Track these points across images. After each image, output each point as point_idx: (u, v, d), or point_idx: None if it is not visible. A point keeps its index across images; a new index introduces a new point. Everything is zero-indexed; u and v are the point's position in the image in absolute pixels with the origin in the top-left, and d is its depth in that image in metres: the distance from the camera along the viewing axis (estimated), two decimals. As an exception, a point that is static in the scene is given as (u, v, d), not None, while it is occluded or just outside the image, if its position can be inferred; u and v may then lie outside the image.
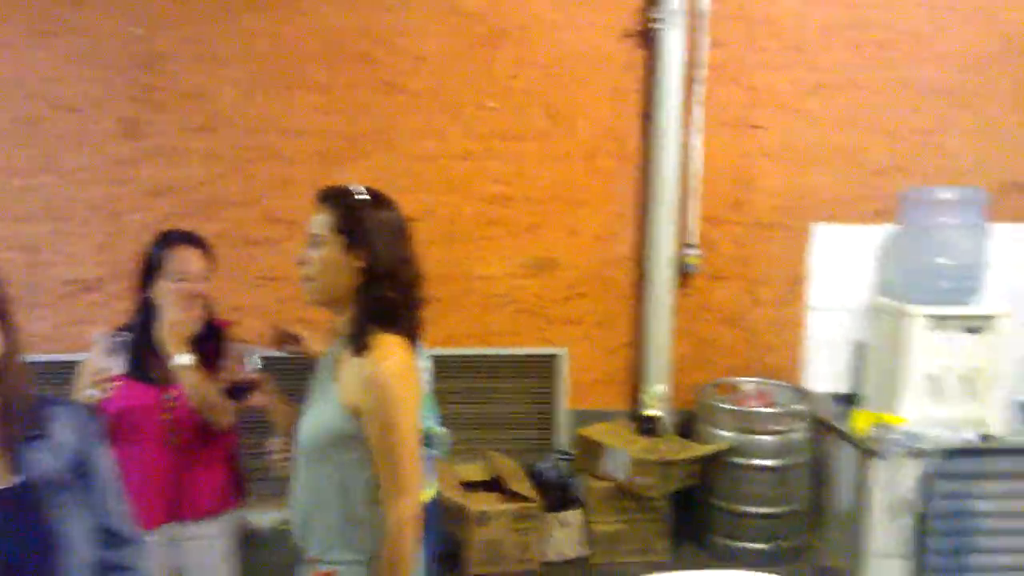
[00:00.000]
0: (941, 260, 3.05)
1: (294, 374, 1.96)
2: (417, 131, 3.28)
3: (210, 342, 2.10)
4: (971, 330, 2.98)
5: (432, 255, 3.23)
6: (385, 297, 1.64)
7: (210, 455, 2.13)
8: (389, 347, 1.61)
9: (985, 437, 2.93)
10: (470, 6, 3.25)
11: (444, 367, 3.29)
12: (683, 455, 3.06)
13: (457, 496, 2.98)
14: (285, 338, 2.10)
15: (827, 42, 3.35)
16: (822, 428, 3.17)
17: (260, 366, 2.15)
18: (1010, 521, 2.87)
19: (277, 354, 2.10)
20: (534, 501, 2.98)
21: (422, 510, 1.61)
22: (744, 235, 3.43)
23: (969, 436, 2.90)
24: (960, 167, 3.39)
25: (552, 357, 3.40)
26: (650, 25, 3.23)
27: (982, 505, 2.87)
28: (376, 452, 1.60)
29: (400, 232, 1.70)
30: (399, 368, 1.60)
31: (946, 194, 3.11)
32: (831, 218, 3.41)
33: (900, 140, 3.40)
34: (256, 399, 2.11)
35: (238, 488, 2.20)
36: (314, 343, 2.06)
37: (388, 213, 1.70)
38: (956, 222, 3.07)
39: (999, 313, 2.99)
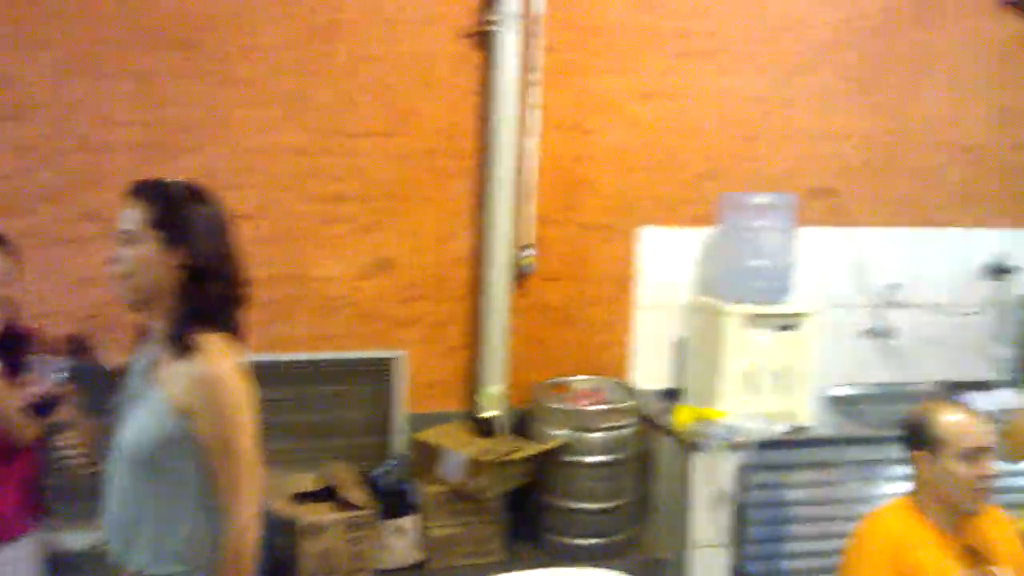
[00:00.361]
0: (755, 261, 3.25)
1: (98, 385, 1.84)
2: (248, 124, 3.15)
3: (12, 350, 1.95)
4: (782, 327, 3.19)
5: (264, 255, 3.17)
6: (207, 296, 1.58)
7: (9, 473, 1.97)
8: (217, 347, 1.56)
9: (796, 429, 3.14)
10: (309, -6, 3.16)
11: (276, 373, 3.21)
12: (518, 455, 3.11)
13: (288, 508, 2.89)
14: (77, 346, 1.97)
15: (653, 51, 3.49)
16: (648, 424, 3.30)
17: (65, 377, 2.01)
18: (819, 508, 3.07)
19: (84, 364, 1.97)
20: (368, 509, 2.94)
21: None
22: (576, 237, 3.52)
23: (781, 428, 3.10)
24: (773, 173, 3.62)
25: (389, 360, 3.36)
26: (487, 27, 3.25)
27: (794, 493, 3.07)
28: (212, 456, 1.54)
29: (221, 227, 1.65)
30: (231, 367, 1.55)
31: (759, 199, 3.31)
32: (656, 221, 3.55)
33: (720, 146, 3.59)
34: (60, 413, 1.97)
35: (41, 508, 2.05)
36: (112, 352, 1.95)
37: (208, 208, 1.64)
38: (767, 225, 3.27)
39: (807, 311, 3.21)
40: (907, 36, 3.67)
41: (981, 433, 2.16)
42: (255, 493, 1.54)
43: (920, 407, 2.26)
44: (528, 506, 3.24)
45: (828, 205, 3.67)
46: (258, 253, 3.26)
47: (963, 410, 2.24)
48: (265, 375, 3.16)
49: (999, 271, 3.79)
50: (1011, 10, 3.73)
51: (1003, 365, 3.80)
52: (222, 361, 1.51)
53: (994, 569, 2.17)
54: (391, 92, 3.27)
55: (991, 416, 3.35)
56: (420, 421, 3.35)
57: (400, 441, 3.35)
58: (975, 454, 2.13)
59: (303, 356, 3.27)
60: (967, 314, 3.78)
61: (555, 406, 3.23)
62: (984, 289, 3.81)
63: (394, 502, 3.03)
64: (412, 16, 3.25)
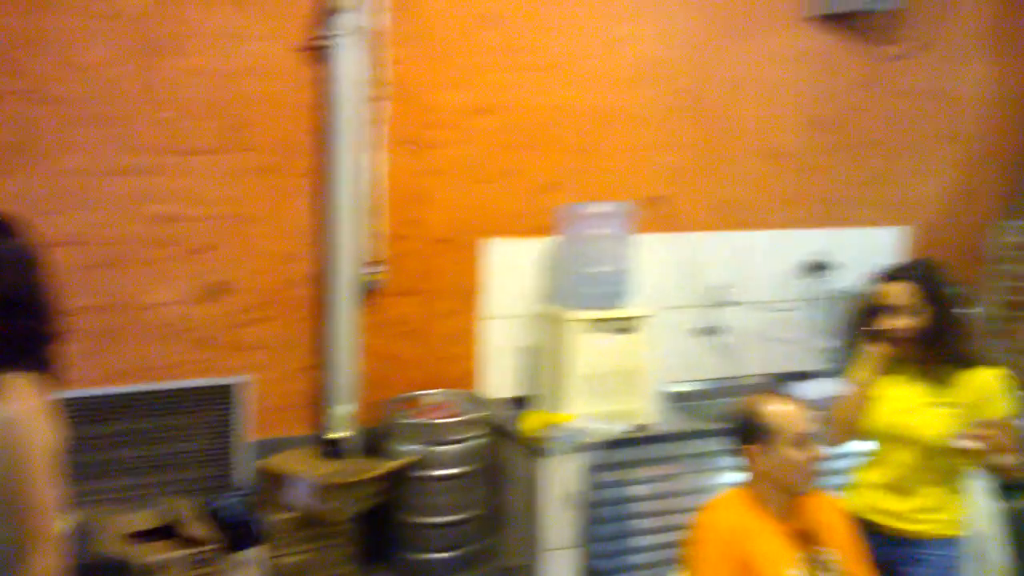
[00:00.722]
0: (593, 268, 3.36)
1: None
2: (66, 145, 2.97)
3: None
4: (621, 331, 3.31)
5: (90, 282, 3.00)
6: (12, 332, 1.49)
7: None
8: (17, 388, 1.46)
9: (639, 427, 3.27)
10: (133, 10, 3.01)
11: (109, 407, 3.04)
12: (368, 474, 3.08)
13: (122, 549, 2.74)
14: None
15: (494, 65, 3.55)
16: (499, 433, 3.34)
17: None
18: (662, 502, 3.20)
19: None
20: (211, 543, 2.83)
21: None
22: (423, 251, 3.53)
23: (624, 427, 3.22)
24: (609, 183, 3.75)
25: (229, 387, 3.25)
26: (326, 41, 3.20)
27: (638, 489, 3.19)
28: (6, 504, 1.44)
29: (28, 259, 1.55)
30: (30, 410, 1.46)
31: (595, 208, 3.43)
32: (501, 232, 3.61)
33: (558, 159, 3.69)
34: None
35: None
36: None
37: (10, 239, 1.54)
38: (605, 233, 3.39)
39: (644, 314, 3.35)
40: (725, 50, 3.90)
41: (806, 419, 2.32)
42: (51, 544, 1.46)
43: (745, 403, 2.39)
44: (381, 526, 3.21)
45: (661, 212, 3.84)
46: (83, 281, 3.11)
47: (786, 400, 2.39)
48: (97, 409, 3.02)
49: (817, 268, 4.08)
50: (817, 24, 4.02)
51: (824, 355, 4.09)
52: (20, 403, 1.43)
53: (823, 549, 2.33)
54: (224, 108, 3.17)
55: (815, 404, 3.61)
56: (268, 447, 3.26)
57: (244, 470, 3.25)
58: (803, 439, 2.28)
59: (137, 388, 3.11)
60: (789, 309, 4.04)
61: (405, 422, 3.22)
62: (804, 285, 4.10)
63: (239, 534, 2.93)
64: (247, 31, 3.17)
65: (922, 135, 4.33)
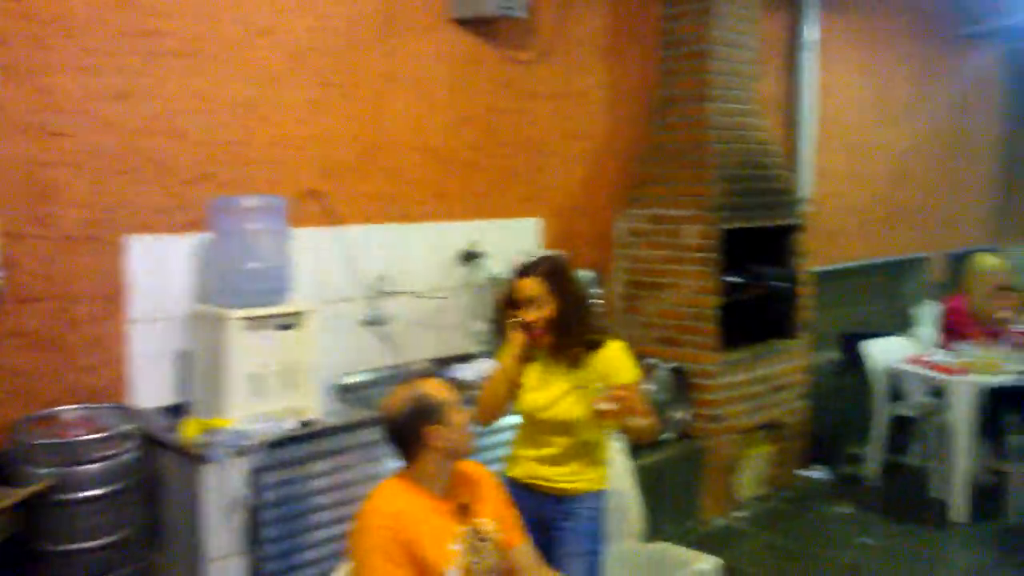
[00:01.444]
0: (251, 264, 3.25)
1: None
2: None
3: None
4: (284, 327, 3.25)
5: None
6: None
7: None
8: None
9: (305, 423, 3.24)
10: None
11: None
12: (-5, 506, 2.71)
13: None
14: None
15: (125, 49, 3.27)
16: (154, 444, 3.12)
17: None
18: (336, 494, 3.21)
19: None
20: None
21: None
22: (53, 251, 3.17)
23: (290, 425, 3.17)
24: (265, 176, 3.65)
25: None
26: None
27: (312, 485, 3.16)
28: None
29: None
30: None
31: (250, 202, 3.33)
32: (146, 228, 3.36)
33: (209, 150, 3.52)
34: None
35: None
36: None
37: None
38: (261, 228, 3.30)
39: (306, 309, 3.32)
40: (375, 47, 3.98)
41: (452, 387, 2.51)
42: None
43: (403, 396, 2.46)
44: (19, 558, 2.85)
45: (319, 205, 3.82)
46: None
47: (427, 377, 2.54)
48: None
49: (469, 257, 4.33)
50: (460, 26, 4.25)
51: (480, 338, 4.36)
52: None
53: (481, 520, 2.50)
54: None
55: (473, 384, 3.84)
56: None
57: None
58: (461, 403, 2.48)
59: None
60: (445, 297, 4.25)
61: (38, 443, 2.88)
62: (459, 274, 4.33)
63: None
64: None
65: (554, 133, 4.78)
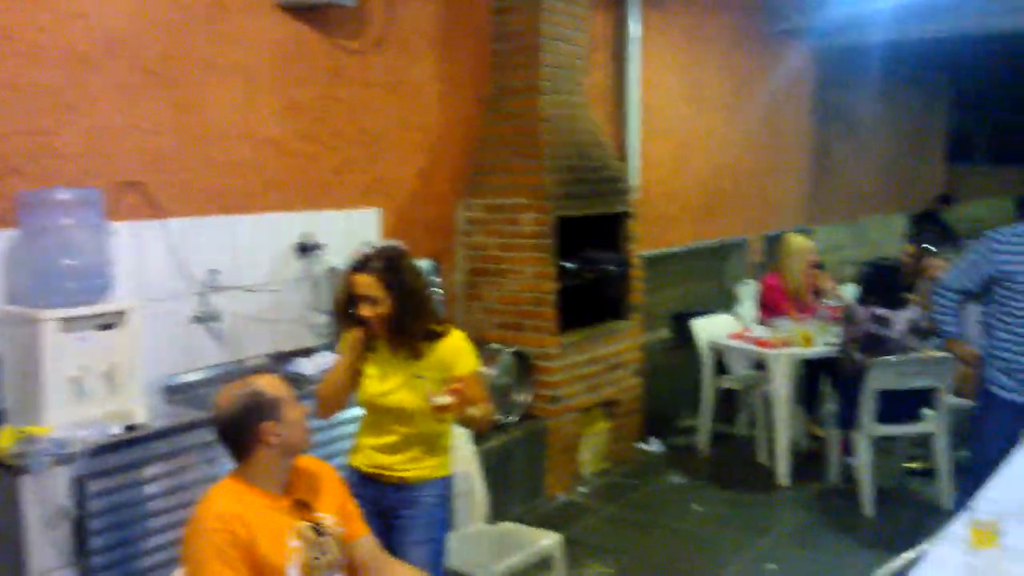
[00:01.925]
0: (66, 261, 3.06)
1: None
2: None
3: None
4: (104, 327, 3.08)
5: None
6: None
7: None
8: None
9: (131, 427, 3.08)
10: None
11: None
12: None
13: None
14: None
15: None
16: (-40, 458, 2.89)
17: None
18: (170, 498, 3.09)
19: None
20: None
21: None
22: None
23: (115, 430, 3.01)
24: (78, 168, 3.43)
25: None
26: None
27: (142, 491, 3.02)
28: None
29: None
30: None
31: (61, 195, 3.12)
32: (-59, 227, 3.09)
33: (12, 142, 3.26)
34: None
35: None
36: None
37: None
38: (76, 223, 3.11)
39: (128, 307, 3.16)
40: (200, 32, 3.81)
41: (284, 383, 2.47)
42: None
43: (234, 395, 2.39)
44: None
45: (141, 198, 3.63)
46: None
47: (260, 374, 2.49)
48: None
49: (306, 249, 4.24)
50: (289, 13, 4.14)
51: (320, 331, 4.28)
52: None
53: (320, 515, 2.46)
54: None
55: (313, 378, 3.78)
56: None
57: None
58: (296, 398, 2.45)
59: None
60: (279, 290, 4.14)
61: None
62: (297, 266, 4.23)
63: None
64: None
65: (391, 123, 4.74)
